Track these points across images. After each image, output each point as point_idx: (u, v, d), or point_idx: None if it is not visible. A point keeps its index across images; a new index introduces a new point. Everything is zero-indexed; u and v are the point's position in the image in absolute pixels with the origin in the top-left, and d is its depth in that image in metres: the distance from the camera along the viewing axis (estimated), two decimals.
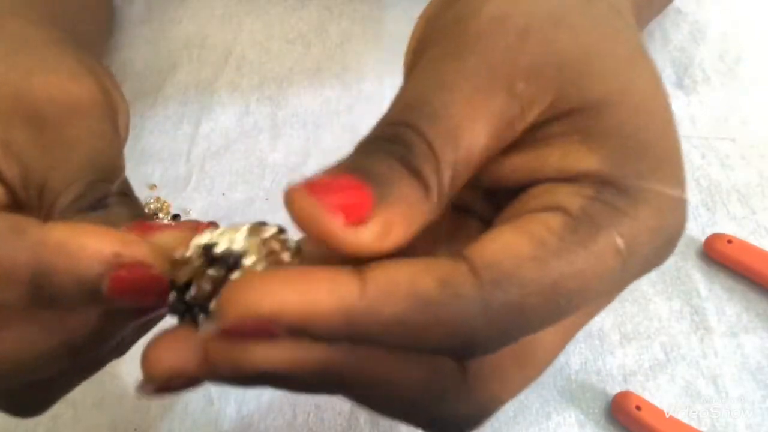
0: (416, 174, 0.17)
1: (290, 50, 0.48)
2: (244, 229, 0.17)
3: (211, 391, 0.35)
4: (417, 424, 0.19)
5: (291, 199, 0.15)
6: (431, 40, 0.20)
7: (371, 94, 0.44)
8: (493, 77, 0.18)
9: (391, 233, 0.16)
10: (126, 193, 0.23)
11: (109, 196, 0.21)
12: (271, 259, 0.17)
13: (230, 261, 0.16)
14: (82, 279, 0.17)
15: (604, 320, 0.35)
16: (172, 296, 0.18)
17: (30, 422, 0.34)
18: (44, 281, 0.17)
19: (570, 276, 0.16)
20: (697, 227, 0.38)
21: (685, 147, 0.40)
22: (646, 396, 0.33)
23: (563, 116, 0.18)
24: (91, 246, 0.17)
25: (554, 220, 0.17)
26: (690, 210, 0.38)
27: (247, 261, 0.16)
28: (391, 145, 0.17)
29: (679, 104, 0.43)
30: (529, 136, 0.19)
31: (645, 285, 0.36)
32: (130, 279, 0.17)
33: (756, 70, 0.44)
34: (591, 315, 0.20)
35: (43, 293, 0.17)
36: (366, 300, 0.15)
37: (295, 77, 0.46)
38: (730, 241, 0.36)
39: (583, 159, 0.18)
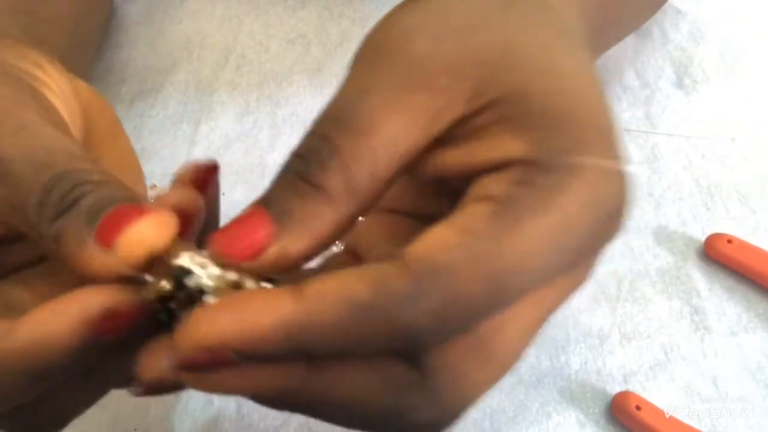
0: (315, 186, 0.18)
1: (290, 50, 0.48)
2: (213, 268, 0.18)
3: None
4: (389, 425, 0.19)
5: (212, 249, 0.18)
6: (360, 54, 0.21)
7: None
8: (412, 76, 0.19)
9: (289, 251, 0.18)
10: (105, 175, 0.21)
11: (74, 188, 0.19)
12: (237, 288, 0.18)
13: (197, 293, 0.18)
14: (60, 360, 0.18)
15: (604, 320, 0.35)
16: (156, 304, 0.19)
17: None
18: (32, 378, 0.18)
19: (500, 257, 0.16)
20: (697, 227, 0.38)
21: (685, 147, 0.41)
22: (646, 396, 0.33)
23: (488, 107, 0.19)
24: (56, 334, 0.18)
25: (480, 208, 0.17)
26: (690, 210, 0.38)
27: (209, 298, 0.18)
28: (296, 161, 0.19)
29: (679, 104, 0.43)
30: (460, 131, 0.19)
31: (645, 285, 0.36)
32: (103, 332, 0.18)
33: (756, 70, 0.44)
34: (553, 303, 0.20)
35: (36, 384, 0.19)
36: (301, 312, 0.16)
37: (295, 77, 0.46)
38: (730, 241, 0.36)
39: (510, 144, 0.18)
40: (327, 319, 0.16)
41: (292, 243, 0.18)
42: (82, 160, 0.20)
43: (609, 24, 0.30)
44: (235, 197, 0.41)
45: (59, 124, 0.22)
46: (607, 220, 0.18)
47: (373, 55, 0.20)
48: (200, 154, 0.43)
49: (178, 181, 0.22)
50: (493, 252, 0.16)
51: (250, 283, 0.18)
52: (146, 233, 0.18)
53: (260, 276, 0.19)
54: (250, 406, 0.34)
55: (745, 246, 0.36)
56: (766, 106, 0.42)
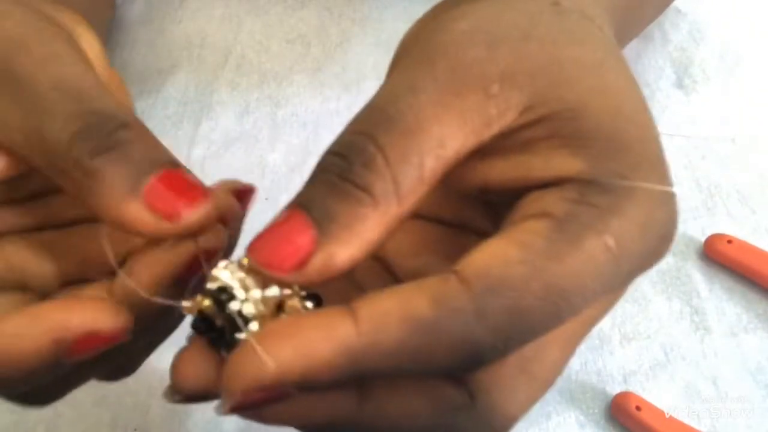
0: (360, 187, 0.17)
1: (290, 50, 0.48)
2: (256, 293, 0.18)
3: None
4: None
5: (252, 260, 0.17)
6: (404, 54, 0.20)
7: (371, 94, 0.44)
8: (464, 79, 0.18)
9: (336, 259, 0.17)
10: (138, 125, 0.20)
11: (118, 129, 0.18)
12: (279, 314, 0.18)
13: (237, 320, 0.17)
14: (27, 370, 0.17)
15: (604, 320, 0.35)
16: (195, 315, 0.18)
17: (30, 421, 0.34)
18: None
19: (561, 274, 0.16)
20: (697, 227, 0.38)
21: (685, 147, 0.41)
22: (646, 396, 0.33)
23: (541, 121, 0.18)
24: (25, 348, 0.17)
25: (540, 225, 0.17)
26: (690, 210, 0.38)
27: (254, 325, 0.17)
28: (336, 159, 0.18)
29: (679, 104, 0.43)
30: (510, 142, 0.19)
31: (645, 285, 0.36)
32: (80, 350, 0.18)
33: (756, 70, 0.44)
34: (593, 321, 0.20)
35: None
36: (363, 335, 0.15)
37: (295, 77, 0.46)
38: (730, 241, 0.36)
39: (566, 162, 0.18)
40: (391, 341, 0.15)
41: (338, 249, 0.17)
42: (118, 103, 0.19)
43: (627, 33, 0.30)
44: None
45: (92, 68, 0.21)
46: (658, 244, 0.18)
47: (421, 55, 0.19)
48: (200, 154, 0.43)
49: (221, 189, 0.21)
50: (554, 269, 0.16)
51: (292, 302, 0.17)
52: (205, 218, 0.18)
53: (302, 291, 0.18)
54: None
55: (745, 246, 0.36)
56: (766, 106, 0.42)
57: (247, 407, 0.16)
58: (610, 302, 0.20)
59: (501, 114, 0.18)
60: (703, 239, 0.37)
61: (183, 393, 0.18)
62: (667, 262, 0.37)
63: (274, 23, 0.49)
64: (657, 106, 0.43)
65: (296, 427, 0.17)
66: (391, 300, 0.16)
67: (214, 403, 0.35)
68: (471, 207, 0.22)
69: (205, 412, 0.34)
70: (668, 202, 0.19)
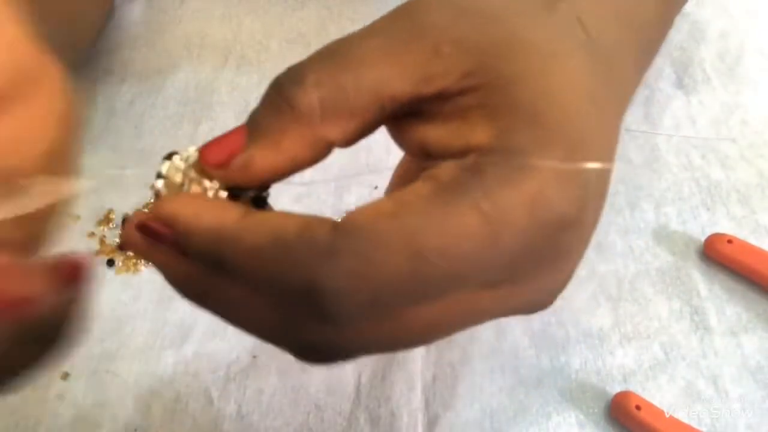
0: (285, 100, 0.19)
1: (290, 50, 0.48)
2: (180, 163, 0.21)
3: (211, 390, 0.35)
4: (280, 346, 0.20)
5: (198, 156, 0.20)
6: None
7: None
8: (419, 35, 0.19)
9: (253, 162, 0.19)
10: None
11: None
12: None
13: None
14: None
15: (604, 320, 0.35)
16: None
17: (30, 421, 0.34)
18: None
19: (426, 232, 0.16)
20: (697, 227, 0.38)
21: (685, 147, 0.41)
22: (646, 396, 0.33)
23: (476, 89, 0.19)
24: None
25: (423, 187, 0.17)
26: (690, 210, 0.39)
27: (159, 183, 0.21)
28: (281, 76, 0.20)
29: (679, 104, 0.43)
30: (449, 107, 0.19)
31: (645, 285, 0.36)
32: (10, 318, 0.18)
33: (756, 70, 0.44)
34: (486, 311, 0.19)
35: None
36: (236, 227, 0.18)
37: None
38: (730, 241, 0.36)
39: (480, 132, 0.18)
40: (251, 242, 0.17)
41: (257, 154, 0.19)
42: None
43: (656, 47, 0.30)
44: None
45: None
46: (555, 230, 0.18)
47: (396, 12, 0.20)
48: None
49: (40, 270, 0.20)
50: (420, 227, 0.16)
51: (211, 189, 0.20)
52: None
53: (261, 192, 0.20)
54: (250, 406, 0.34)
55: (745, 246, 0.36)
56: (766, 106, 0.42)
57: (144, 229, 0.19)
58: (514, 297, 0.19)
59: (444, 74, 0.19)
60: (703, 239, 0.37)
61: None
62: (667, 261, 0.37)
63: (274, 23, 0.49)
64: (657, 106, 0.43)
65: (163, 275, 0.19)
66: (276, 216, 0.18)
67: (214, 404, 0.35)
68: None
69: (204, 412, 0.34)
70: (574, 184, 0.18)
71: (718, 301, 0.36)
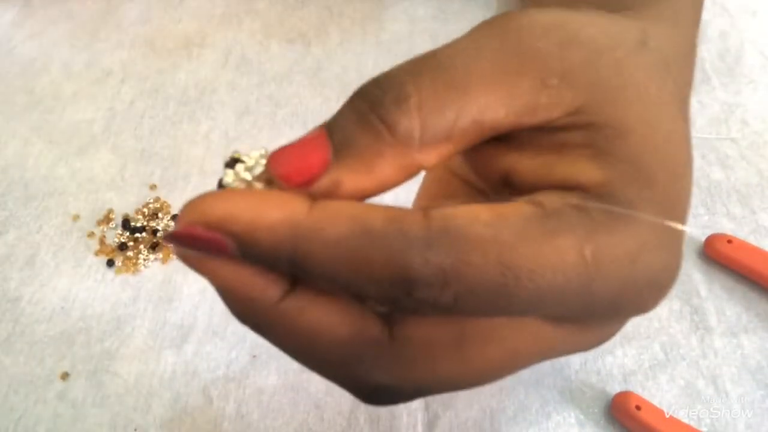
0: (383, 121, 0.17)
1: (290, 50, 0.48)
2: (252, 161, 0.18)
3: (211, 390, 0.35)
4: (333, 379, 0.19)
5: (268, 168, 0.17)
6: (483, 24, 0.20)
7: None
8: (528, 64, 0.18)
9: (341, 186, 0.17)
10: None
11: None
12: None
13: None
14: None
15: None
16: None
17: (30, 421, 0.34)
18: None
19: (522, 254, 0.16)
20: (697, 227, 0.38)
21: None
22: (646, 396, 0.33)
23: (583, 128, 0.18)
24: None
25: (525, 208, 0.17)
26: (690, 210, 0.38)
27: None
28: (373, 90, 0.18)
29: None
30: (547, 140, 0.19)
31: None
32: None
33: (756, 70, 0.44)
34: (553, 348, 0.19)
35: None
36: (311, 218, 0.16)
37: (295, 77, 0.46)
38: (730, 241, 0.36)
39: (588, 171, 0.18)
40: (334, 233, 0.16)
41: (346, 177, 0.17)
42: None
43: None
44: None
45: None
46: (645, 288, 0.17)
47: (501, 31, 0.19)
48: (200, 154, 0.43)
49: None
50: (516, 246, 0.16)
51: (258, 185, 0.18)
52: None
53: None
54: (249, 406, 0.34)
55: (745, 246, 0.36)
56: (766, 106, 0.42)
57: (186, 241, 0.16)
58: (579, 339, 0.19)
59: (550, 106, 0.18)
60: (703, 239, 0.37)
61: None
62: None
63: (274, 23, 0.49)
64: None
65: (217, 289, 0.17)
66: (350, 204, 0.16)
67: (213, 404, 0.35)
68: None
69: (204, 411, 0.34)
70: (670, 249, 0.18)
71: (718, 301, 0.36)
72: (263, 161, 0.18)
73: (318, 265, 0.16)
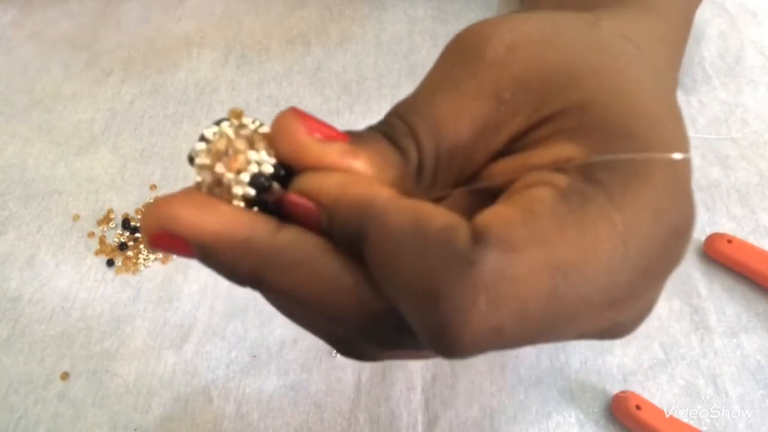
0: (396, 144, 0.18)
1: (290, 50, 0.48)
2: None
3: (211, 390, 0.35)
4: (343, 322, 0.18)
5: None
6: (443, 52, 0.21)
7: (371, 94, 0.44)
8: (479, 84, 0.19)
9: (355, 158, 0.18)
10: None
11: None
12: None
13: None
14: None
15: None
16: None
17: (30, 421, 0.34)
18: None
19: (564, 245, 0.15)
20: (697, 227, 0.38)
21: None
22: (646, 395, 0.33)
23: (548, 120, 0.19)
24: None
25: (543, 192, 0.17)
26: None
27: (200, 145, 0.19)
28: (380, 125, 0.19)
29: (679, 104, 0.43)
30: (521, 143, 0.19)
31: None
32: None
33: (756, 69, 0.44)
34: (603, 319, 0.18)
35: None
36: (384, 204, 0.16)
37: (295, 77, 0.46)
38: (730, 241, 0.36)
39: (565, 148, 0.18)
40: (393, 222, 0.16)
41: (360, 155, 0.18)
42: None
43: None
44: None
45: None
46: (670, 239, 0.17)
47: (453, 56, 0.20)
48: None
49: None
50: (556, 238, 0.15)
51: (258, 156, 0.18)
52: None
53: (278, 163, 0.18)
54: (249, 406, 0.34)
55: (745, 246, 0.36)
56: (766, 106, 0.42)
57: (153, 244, 0.17)
58: (623, 306, 0.18)
59: (510, 118, 0.19)
60: (703, 239, 0.37)
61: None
62: None
63: (274, 22, 0.49)
64: None
65: (207, 245, 0.18)
66: (426, 206, 0.17)
67: (213, 403, 0.35)
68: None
69: (204, 411, 0.34)
70: (683, 196, 0.18)
71: (718, 301, 0.36)
72: (253, 126, 0.18)
73: (375, 247, 0.16)
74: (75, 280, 0.38)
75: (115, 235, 0.40)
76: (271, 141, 0.18)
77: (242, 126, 0.18)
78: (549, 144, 0.18)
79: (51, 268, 0.39)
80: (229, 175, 0.17)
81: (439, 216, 0.16)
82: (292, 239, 0.17)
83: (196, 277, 0.38)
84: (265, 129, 0.18)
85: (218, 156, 0.18)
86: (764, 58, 0.44)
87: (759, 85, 0.43)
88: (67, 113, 0.47)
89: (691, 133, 0.41)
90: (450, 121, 0.19)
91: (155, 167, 0.43)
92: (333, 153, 0.17)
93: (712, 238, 0.36)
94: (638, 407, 0.31)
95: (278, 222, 0.17)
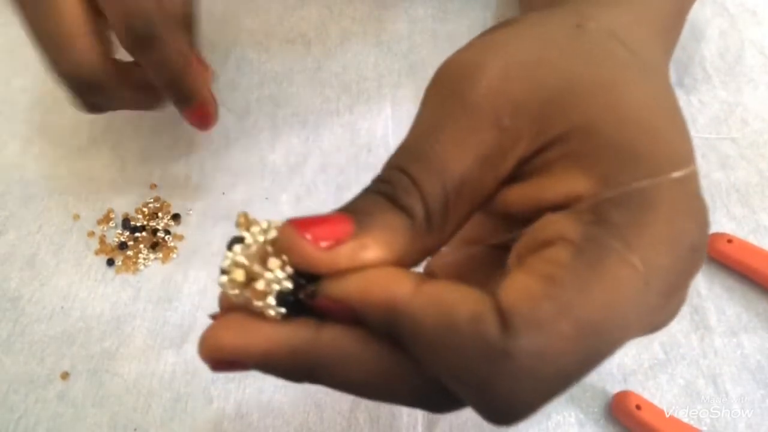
0: (399, 205, 0.18)
1: (290, 50, 0.48)
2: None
3: (211, 390, 0.35)
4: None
5: (280, 234, 0.18)
6: (426, 93, 0.21)
7: (371, 94, 0.44)
8: (477, 116, 0.19)
9: (365, 250, 0.18)
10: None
11: None
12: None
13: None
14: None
15: None
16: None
17: (30, 421, 0.34)
18: None
19: (590, 307, 0.16)
20: None
21: None
22: (646, 395, 0.33)
23: (553, 143, 0.19)
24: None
25: (560, 253, 0.17)
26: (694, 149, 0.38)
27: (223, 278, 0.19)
28: (381, 185, 0.19)
29: (680, 103, 0.43)
30: (528, 168, 0.19)
31: None
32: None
33: (756, 69, 0.44)
34: (635, 337, 0.19)
35: None
36: (407, 301, 0.17)
37: (295, 77, 0.46)
38: (730, 241, 0.36)
39: (576, 181, 0.18)
40: (420, 321, 0.16)
41: (371, 243, 0.18)
42: None
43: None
44: (236, 197, 0.41)
45: None
46: (689, 256, 0.18)
47: (441, 93, 0.20)
48: (200, 154, 0.43)
49: None
50: (582, 303, 0.16)
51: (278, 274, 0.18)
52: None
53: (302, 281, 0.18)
54: (249, 406, 0.34)
55: (745, 246, 0.36)
56: (766, 106, 0.42)
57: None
58: (657, 319, 0.19)
59: (514, 145, 0.19)
60: None
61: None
62: None
63: (274, 22, 0.49)
64: None
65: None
66: (446, 292, 0.17)
67: (213, 403, 0.35)
68: (504, 227, 0.22)
69: (204, 411, 0.34)
70: (695, 208, 0.18)
71: (718, 301, 0.36)
72: (261, 238, 0.19)
73: (414, 346, 0.17)
74: (75, 279, 0.38)
75: (115, 234, 0.40)
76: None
77: (254, 241, 0.19)
78: (557, 171, 0.18)
79: (51, 267, 0.39)
80: (258, 303, 0.18)
81: (464, 304, 0.16)
82: (332, 338, 0.18)
83: (196, 277, 0.38)
84: (275, 232, 0.19)
85: (242, 285, 0.18)
86: (764, 58, 0.44)
87: (759, 85, 0.43)
88: (67, 113, 0.47)
89: (691, 132, 0.41)
90: (453, 157, 0.19)
91: (155, 167, 0.43)
92: (343, 258, 0.18)
93: (712, 238, 0.36)
94: (638, 407, 0.31)
95: (317, 322, 0.18)
